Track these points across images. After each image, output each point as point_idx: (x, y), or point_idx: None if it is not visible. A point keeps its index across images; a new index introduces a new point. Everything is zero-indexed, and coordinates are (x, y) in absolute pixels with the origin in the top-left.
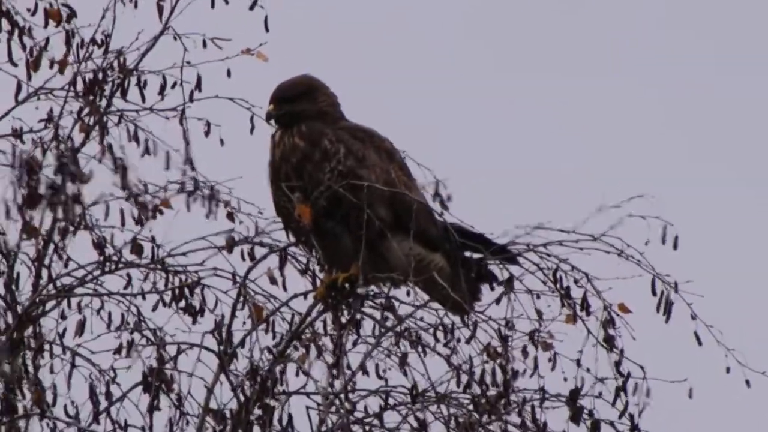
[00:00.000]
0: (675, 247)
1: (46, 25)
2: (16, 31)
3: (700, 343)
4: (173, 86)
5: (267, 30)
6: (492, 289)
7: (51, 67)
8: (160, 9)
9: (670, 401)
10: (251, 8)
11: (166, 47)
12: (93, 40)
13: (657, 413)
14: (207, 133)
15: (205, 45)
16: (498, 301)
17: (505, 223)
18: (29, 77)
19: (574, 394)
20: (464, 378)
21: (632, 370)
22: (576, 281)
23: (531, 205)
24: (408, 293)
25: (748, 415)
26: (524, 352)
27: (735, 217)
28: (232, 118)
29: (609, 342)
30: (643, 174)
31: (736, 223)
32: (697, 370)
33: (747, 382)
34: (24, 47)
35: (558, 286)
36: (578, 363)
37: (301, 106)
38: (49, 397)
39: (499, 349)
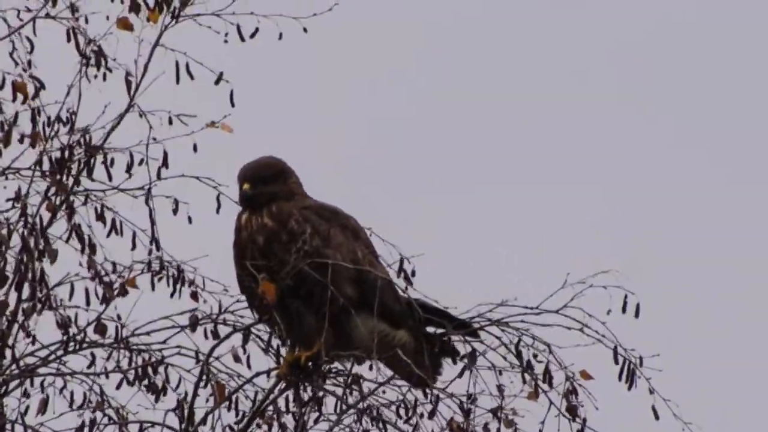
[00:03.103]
0: (637, 315)
1: (14, 99)
2: None
3: (657, 417)
4: (140, 163)
5: (233, 105)
6: (455, 363)
7: (21, 142)
8: (128, 84)
9: None
10: (216, 83)
11: (132, 124)
12: (59, 118)
13: None
14: (175, 211)
15: (171, 122)
16: (461, 375)
17: (469, 300)
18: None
19: None
20: None
21: None
22: (535, 356)
23: (496, 282)
24: (371, 369)
25: None
26: (486, 429)
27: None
28: (199, 196)
29: (571, 412)
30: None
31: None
32: None
33: None
34: None
35: (519, 360)
36: None
37: (274, 188)
38: None
39: (462, 424)
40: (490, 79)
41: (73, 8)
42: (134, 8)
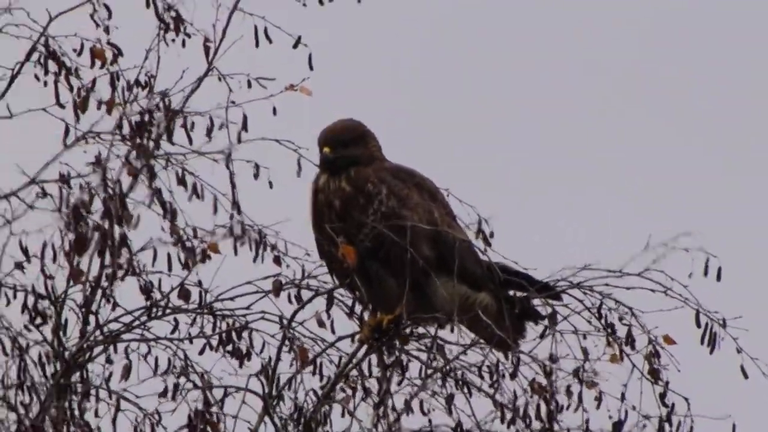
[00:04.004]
0: (719, 278)
1: (93, 65)
2: (63, 72)
3: (746, 376)
4: (220, 128)
5: (311, 68)
6: (536, 325)
7: (99, 108)
8: (207, 49)
9: None
10: (295, 47)
11: (211, 88)
12: (137, 82)
13: None
14: (256, 176)
15: (249, 85)
16: (542, 336)
17: (550, 263)
18: (77, 119)
19: (617, 427)
20: (508, 414)
21: (677, 403)
22: (620, 318)
23: (577, 244)
24: (452, 331)
25: None
26: (568, 392)
27: None
28: (277, 159)
29: (654, 375)
30: (690, 212)
31: None
32: (743, 403)
33: None
34: (71, 88)
35: (603, 323)
36: (623, 397)
37: (355, 151)
38: None
39: (544, 384)
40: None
41: None
42: None
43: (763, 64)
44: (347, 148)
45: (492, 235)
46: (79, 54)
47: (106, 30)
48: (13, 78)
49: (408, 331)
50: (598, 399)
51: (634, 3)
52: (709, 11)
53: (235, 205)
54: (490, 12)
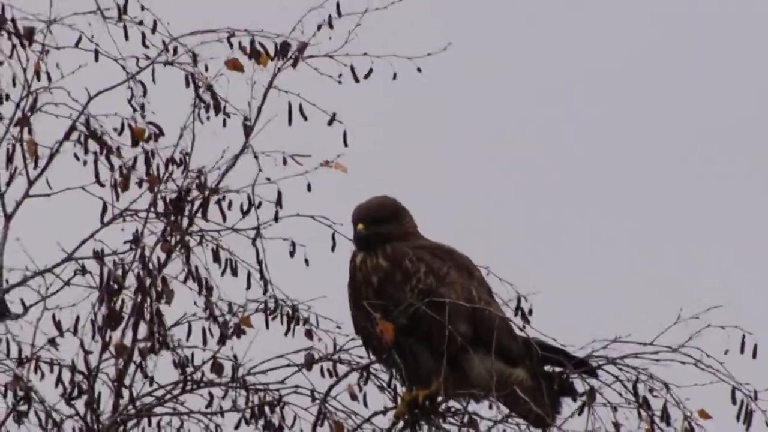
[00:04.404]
0: (754, 355)
1: (135, 144)
2: (104, 151)
3: None
4: (258, 206)
5: (345, 144)
6: (574, 401)
7: (140, 186)
8: (246, 128)
9: None
10: (330, 123)
11: (246, 165)
12: (173, 159)
13: None
14: (292, 254)
15: (285, 162)
16: (579, 412)
17: (585, 336)
18: (117, 197)
19: None
20: None
21: None
22: (651, 391)
23: (612, 317)
24: (490, 407)
25: None
26: None
27: None
28: (312, 234)
29: None
30: (722, 282)
31: None
32: None
33: None
34: (111, 167)
35: (636, 396)
36: None
37: (389, 228)
38: None
39: None
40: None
41: (195, 56)
42: (253, 55)
43: None
44: (382, 225)
45: (531, 312)
46: (120, 133)
47: (142, 108)
48: (52, 156)
49: (444, 406)
50: None
51: None
52: None
53: (264, 280)
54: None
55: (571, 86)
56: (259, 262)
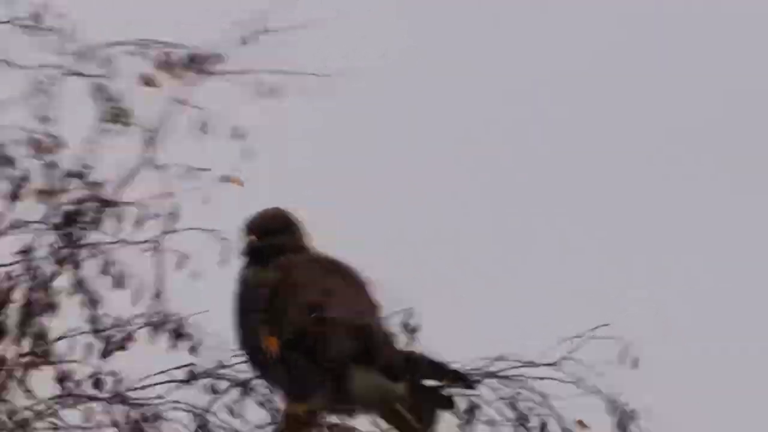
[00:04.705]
0: (635, 366)
1: (34, 154)
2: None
3: None
4: (149, 219)
5: (245, 159)
6: (457, 417)
7: (35, 196)
8: (146, 140)
9: None
10: (232, 137)
11: (145, 178)
12: (71, 172)
13: None
14: (179, 266)
15: (185, 176)
16: (462, 428)
17: (470, 353)
18: (10, 209)
19: None
20: None
21: None
22: (531, 409)
23: (498, 334)
24: (372, 423)
25: None
26: None
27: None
28: (206, 248)
29: None
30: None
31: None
32: None
33: None
34: (7, 177)
35: (514, 412)
36: None
37: (281, 240)
38: None
39: None
40: None
41: (104, 67)
42: (165, 67)
43: None
44: (273, 237)
45: (417, 327)
46: (19, 143)
47: (44, 119)
48: None
49: (326, 422)
50: None
51: None
52: None
53: (157, 294)
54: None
55: (538, 87)
56: (156, 275)
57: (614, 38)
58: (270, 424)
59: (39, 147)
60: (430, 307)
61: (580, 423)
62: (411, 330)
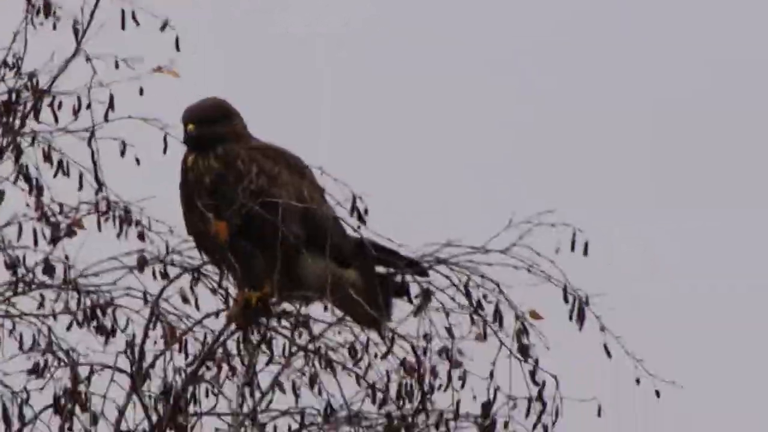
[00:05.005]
0: (585, 252)
1: None
2: None
3: (609, 356)
4: (87, 107)
5: (178, 50)
6: (409, 303)
7: None
8: (76, 32)
9: (581, 415)
10: (162, 29)
11: (79, 69)
12: (5, 63)
13: (569, 426)
14: (122, 153)
15: (117, 66)
16: (416, 313)
17: (422, 239)
18: None
19: (486, 407)
20: (380, 395)
21: (546, 380)
22: (485, 296)
23: (446, 222)
24: (325, 309)
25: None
26: (434, 372)
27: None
28: (146, 138)
29: (523, 352)
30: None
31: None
32: (608, 382)
33: (657, 392)
34: None
35: (469, 300)
36: (491, 375)
37: (219, 129)
38: None
39: (415, 364)
40: None
41: None
42: None
43: None
44: (211, 126)
45: (366, 212)
46: None
47: None
48: None
49: (277, 308)
50: (462, 378)
51: None
52: None
53: (98, 182)
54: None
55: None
56: (94, 163)
57: (588, 7)
58: (222, 310)
59: None
60: (378, 192)
61: (533, 313)
62: (360, 215)
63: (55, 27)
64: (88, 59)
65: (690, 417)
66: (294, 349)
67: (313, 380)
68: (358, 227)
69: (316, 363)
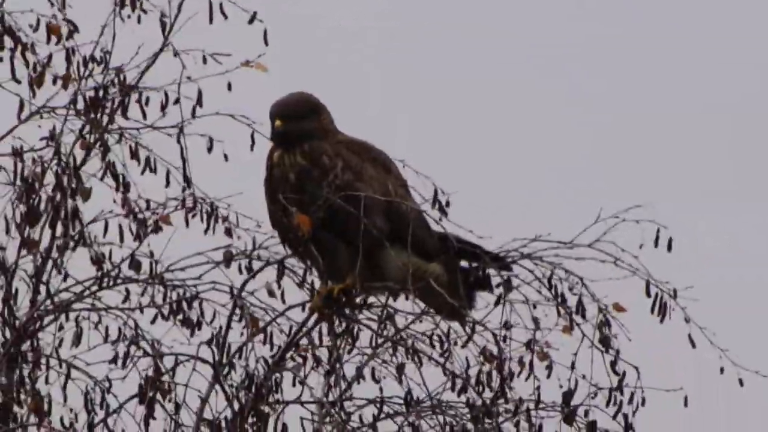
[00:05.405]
0: (669, 249)
1: (49, 40)
2: (19, 48)
3: (693, 346)
4: (175, 102)
5: (266, 44)
6: (491, 293)
7: (54, 83)
8: (163, 24)
9: (664, 404)
10: (250, 22)
11: (166, 64)
12: (93, 57)
13: (651, 415)
14: (210, 149)
15: (205, 61)
16: (497, 303)
17: (504, 234)
18: (33, 95)
19: (567, 396)
20: (459, 383)
21: (627, 372)
22: (570, 288)
23: (532, 217)
24: (406, 300)
25: (742, 414)
26: (521, 362)
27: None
28: (233, 133)
29: (605, 343)
30: (643, 186)
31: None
32: (691, 372)
33: (740, 381)
34: (27, 64)
35: (554, 293)
36: (573, 365)
37: (307, 124)
38: (45, 407)
39: (495, 352)
40: None
41: None
42: None
43: None
44: (299, 122)
45: (448, 204)
46: (35, 30)
47: (63, 5)
48: None
49: (359, 300)
50: (549, 368)
51: None
52: None
53: (186, 178)
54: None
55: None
56: (183, 159)
57: None
58: (306, 302)
59: (55, 32)
60: (464, 188)
61: (617, 306)
62: (442, 208)
63: (139, 20)
64: (175, 54)
65: None
66: (380, 340)
67: (400, 370)
68: (440, 220)
69: (402, 353)
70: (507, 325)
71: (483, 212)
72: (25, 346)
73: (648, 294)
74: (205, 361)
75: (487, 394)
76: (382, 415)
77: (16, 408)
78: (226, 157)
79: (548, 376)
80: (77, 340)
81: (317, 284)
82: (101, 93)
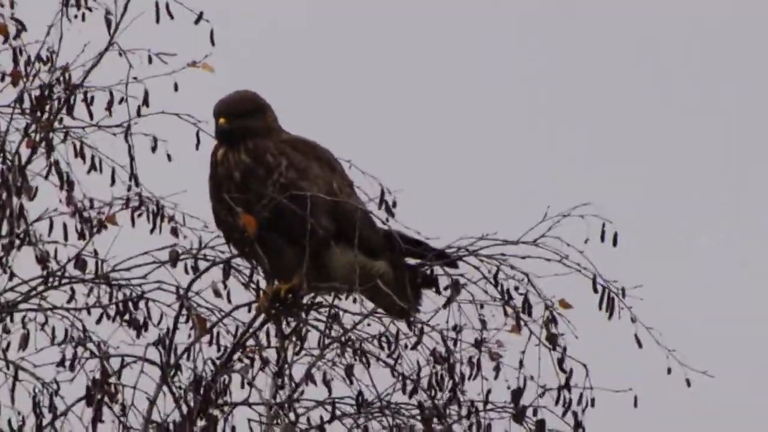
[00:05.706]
0: (615, 244)
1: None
2: None
3: (640, 345)
4: (120, 102)
5: (213, 44)
6: (438, 294)
7: (2, 80)
8: (108, 23)
9: (614, 405)
10: (196, 22)
11: (112, 63)
12: (39, 57)
13: (601, 415)
14: (154, 149)
15: (150, 60)
16: (446, 305)
17: (452, 234)
18: None
19: (516, 395)
20: (410, 385)
21: (576, 371)
22: (516, 288)
23: (481, 217)
24: (354, 301)
25: (688, 414)
26: (470, 363)
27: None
28: (178, 133)
29: (551, 341)
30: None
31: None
32: (639, 371)
33: (687, 381)
34: None
35: (500, 291)
36: (521, 364)
37: (251, 122)
38: None
39: (445, 354)
40: None
41: None
42: None
43: None
44: (244, 119)
45: (395, 204)
46: None
47: (11, 4)
48: None
49: (307, 300)
50: (497, 369)
51: None
52: None
53: (133, 177)
54: None
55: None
56: (131, 158)
57: None
58: (252, 302)
59: (2, 31)
60: (412, 188)
61: (563, 302)
62: (388, 208)
63: (84, 18)
64: (121, 53)
65: (724, 408)
66: (327, 341)
67: (348, 371)
68: (387, 220)
69: (350, 354)
70: (456, 328)
71: (431, 213)
72: None
73: (595, 290)
74: (152, 363)
75: (440, 396)
76: (330, 416)
77: None
78: (169, 156)
79: (496, 377)
80: (25, 342)
81: (264, 284)
82: (47, 92)
